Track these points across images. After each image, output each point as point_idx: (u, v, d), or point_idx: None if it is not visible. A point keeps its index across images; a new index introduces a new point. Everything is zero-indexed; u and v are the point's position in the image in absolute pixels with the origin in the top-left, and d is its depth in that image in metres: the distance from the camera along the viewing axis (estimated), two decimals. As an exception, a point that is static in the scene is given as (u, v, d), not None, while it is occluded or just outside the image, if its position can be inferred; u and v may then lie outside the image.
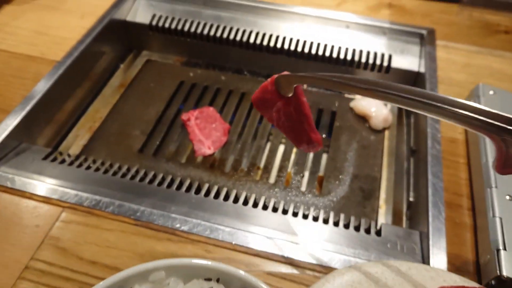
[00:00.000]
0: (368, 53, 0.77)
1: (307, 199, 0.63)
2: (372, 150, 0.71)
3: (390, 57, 0.76)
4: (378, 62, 0.76)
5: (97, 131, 0.72)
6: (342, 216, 0.54)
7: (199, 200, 0.54)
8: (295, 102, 0.38)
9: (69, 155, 0.61)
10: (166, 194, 0.55)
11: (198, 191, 0.56)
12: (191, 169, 0.66)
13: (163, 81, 0.81)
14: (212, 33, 0.81)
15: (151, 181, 0.57)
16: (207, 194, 0.56)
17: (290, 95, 0.38)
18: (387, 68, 0.76)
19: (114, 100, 0.77)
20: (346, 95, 0.80)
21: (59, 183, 0.54)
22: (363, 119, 0.75)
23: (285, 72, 0.37)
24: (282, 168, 0.67)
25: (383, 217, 0.62)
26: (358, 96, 0.80)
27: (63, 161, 0.58)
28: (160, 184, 0.56)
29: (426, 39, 0.77)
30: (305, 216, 0.54)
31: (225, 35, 0.80)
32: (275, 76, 0.38)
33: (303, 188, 0.64)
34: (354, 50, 0.77)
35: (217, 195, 0.56)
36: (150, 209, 0.51)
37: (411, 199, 0.62)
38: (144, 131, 0.72)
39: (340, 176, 0.66)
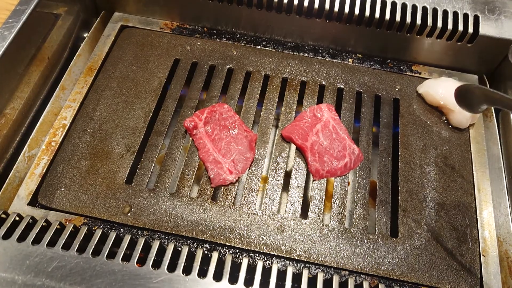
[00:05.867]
0: (445, 13, 0.54)
1: (384, 251, 0.43)
2: (458, 159, 0.50)
3: (476, 19, 0.53)
4: (460, 27, 0.53)
5: (59, 150, 0.48)
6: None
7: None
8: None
9: (18, 219, 0.38)
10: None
11: (233, 279, 0.36)
12: (208, 211, 0.44)
13: (150, 60, 0.56)
14: (216, -14, 0.55)
15: (157, 263, 0.36)
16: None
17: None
18: (471, 37, 0.53)
19: (81, 95, 0.53)
20: (410, 74, 0.58)
21: None
22: (437, 110, 0.54)
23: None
24: (338, 199, 0.47)
25: (488, 269, 0.44)
26: (427, 75, 0.58)
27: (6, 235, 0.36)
28: (171, 268, 0.35)
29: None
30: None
31: (236, -10, 0.55)
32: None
33: (375, 232, 0.45)
34: (424, 9, 0.54)
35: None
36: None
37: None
38: (131, 146, 0.49)
39: (421, 207, 0.47)
